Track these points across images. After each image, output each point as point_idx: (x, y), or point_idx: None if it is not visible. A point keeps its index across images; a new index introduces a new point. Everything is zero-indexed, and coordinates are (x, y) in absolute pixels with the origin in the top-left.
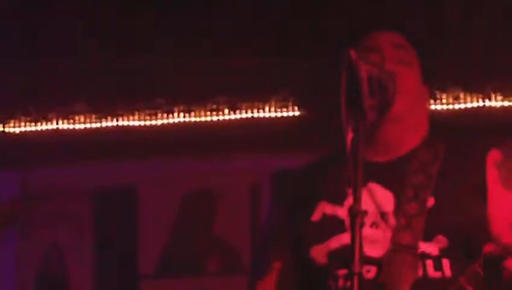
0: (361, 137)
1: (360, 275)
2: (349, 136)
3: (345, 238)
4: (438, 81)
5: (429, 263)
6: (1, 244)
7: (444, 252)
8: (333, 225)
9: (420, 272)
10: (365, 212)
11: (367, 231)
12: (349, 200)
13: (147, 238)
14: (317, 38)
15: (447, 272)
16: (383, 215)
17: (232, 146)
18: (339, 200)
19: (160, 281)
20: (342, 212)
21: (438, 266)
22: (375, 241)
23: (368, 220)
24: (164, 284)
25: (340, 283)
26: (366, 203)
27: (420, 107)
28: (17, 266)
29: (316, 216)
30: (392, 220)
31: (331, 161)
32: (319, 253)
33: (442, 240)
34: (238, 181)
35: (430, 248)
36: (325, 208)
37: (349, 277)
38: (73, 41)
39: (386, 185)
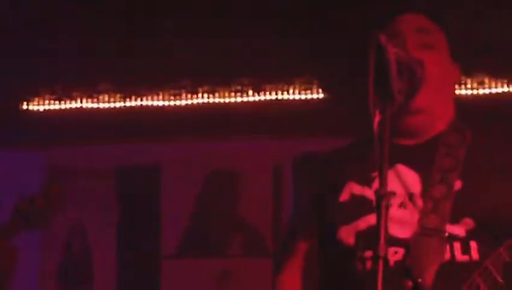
0: (388, 120)
1: (385, 258)
2: (376, 119)
3: (372, 219)
4: (462, 66)
5: (457, 246)
6: None
7: (471, 234)
8: (361, 206)
9: (447, 256)
10: (393, 193)
11: (395, 211)
12: (377, 183)
13: (169, 219)
14: (343, 21)
15: (475, 255)
16: (411, 196)
17: (255, 127)
18: (366, 182)
19: (182, 261)
20: (370, 192)
21: (466, 250)
22: (403, 222)
23: (395, 201)
24: (186, 264)
25: (368, 265)
26: (394, 184)
27: (447, 91)
28: (41, 244)
29: (344, 196)
30: (420, 202)
31: (359, 145)
32: (346, 233)
33: (469, 223)
34: (261, 162)
35: (457, 229)
36: (353, 188)
37: (375, 259)
38: (97, 21)
39: (414, 167)
